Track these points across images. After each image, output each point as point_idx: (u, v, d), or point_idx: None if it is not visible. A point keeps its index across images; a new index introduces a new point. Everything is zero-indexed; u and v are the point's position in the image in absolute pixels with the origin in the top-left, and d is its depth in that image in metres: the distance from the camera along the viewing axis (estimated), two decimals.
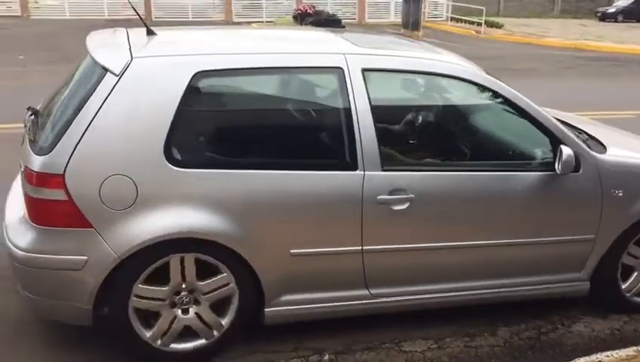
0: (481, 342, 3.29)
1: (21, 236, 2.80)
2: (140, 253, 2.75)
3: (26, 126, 3.01)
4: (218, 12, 27.43)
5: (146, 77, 2.83)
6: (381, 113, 3.13)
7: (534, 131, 3.26)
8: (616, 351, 3.05)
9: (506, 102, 3.27)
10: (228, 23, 25.68)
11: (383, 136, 3.07)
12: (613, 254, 3.45)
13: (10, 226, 2.91)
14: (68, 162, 2.67)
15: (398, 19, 25.36)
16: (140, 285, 2.81)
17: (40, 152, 2.73)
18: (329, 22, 18.77)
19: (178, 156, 2.78)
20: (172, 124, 2.77)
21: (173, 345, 2.97)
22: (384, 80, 3.35)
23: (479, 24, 25.79)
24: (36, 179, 2.70)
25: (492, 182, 3.19)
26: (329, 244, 3.01)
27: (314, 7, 23.04)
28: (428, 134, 3.66)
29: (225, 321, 3.01)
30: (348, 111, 2.98)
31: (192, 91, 2.84)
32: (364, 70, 3.05)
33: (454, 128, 3.72)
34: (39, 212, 2.75)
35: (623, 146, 3.79)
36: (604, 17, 35.68)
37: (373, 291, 3.16)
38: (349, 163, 2.96)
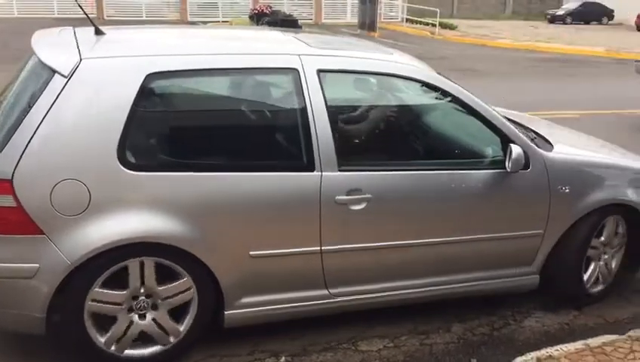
0: (436, 339, 3.34)
1: None
2: (95, 259, 2.68)
3: None
4: (173, 11, 27.11)
5: (96, 78, 2.75)
6: (336, 114, 3.16)
7: (485, 130, 3.33)
8: (566, 344, 3.12)
9: (457, 102, 3.33)
10: (183, 22, 25.37)
11: (339, 137, 3.06)
12: (577, 247, 3.56)
13: None
14: (16, 166, 2.57)
15: (355, 20, 25.58)
16: (96, 289, 2.74)
17: None
18: (285, 22, 18.70)
19: (132, 159, 2.72)
20: (125, 126, 2.70)
21: (128, 351, 2.90)
22: (339, 81, 3.35)
23: (434, 25, 26.22)
24: None
25: (445, 181, 3.24)
26: (288, 245, 3.00)
27: (270, 7, 22.97)
28: (382, 134, 3.69)
29: (182, 327, 2.96)
30: (304, 112, 2.98)
31: (145, 93, 2.78)
32: (319, 71, 3.05)
33: (408, 128, 3.75)
34: None
35: (570, 144, 3.90)
36: (554, 19, 36.72)
37: (332, 291, 3.17)
38: (306, 164, 2.96)
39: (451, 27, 27.10)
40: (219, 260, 2.88)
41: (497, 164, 3.28)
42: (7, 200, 2.57)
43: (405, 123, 3.79)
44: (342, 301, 3.19)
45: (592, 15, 37.17)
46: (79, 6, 3.49)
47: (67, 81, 2.67)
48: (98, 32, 3.10)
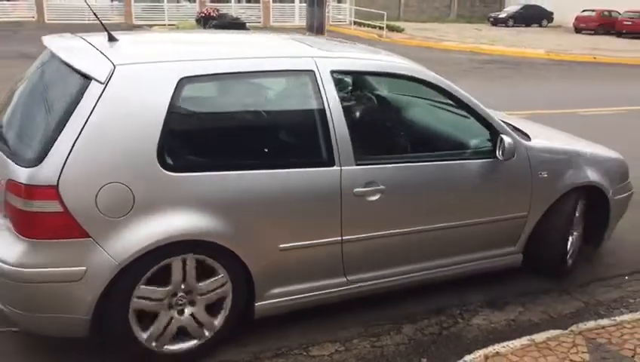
0: (387, 341, 3.35)
1: (6, 250, 2.69)
2: (141, 259, 2.76)
3: None
4: (117, 14, 26.52)
5: (131, 84, 2.83)
6: (350, 112, 3.38)
7: (476, 123, 3.67)
8: (512, 341, 3.19)
9: (452, 98, 3.65)
10: (128, 25, 24.84)
11: (354, 133, 3.24)
12: (562, 224, 3.97)
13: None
14: (61, 173, 2.62)
15: (303, 23, 25.61)
16: (141, 286, 2.82)
17: (26, 164, 2.66)
18: (233, 25, 18.59)
19: (170, 161, 2.82)
20: (162, 130, 2.80)
21: (167, 347, 2.99)
22: (349, 81, 3.60)
23: (381, 28, 26.52)
24: (26, 192, 2.62)
25: (446, 171, 3.57)
26: (313, 237, 3.19)
27: (218, 10, 22.78)
28: (390, 130, 3.89)
29: (217, 321, 3.08)
30: (322, 111, 3.18)
31: (178, 97, 2.88)
32: (332, 72, 3.26)
33: (412, 123, 4.01)
34: (30, 224, 2.67)
35: (543, 136, 4.26)
36: (496, 22, 37.74)
37: (349, 278, 3.38)
38: (327, 160, 3.15)
39: (398, 30, 27.50)
40: (252, 254, 3.03)
41: (487, 154, 3.63)
42: (54, 206, 2.63)
43: (409, 119, 4.05)
44: (358, 287, 3.43)
45: (533, 18, 38.40)
46: (94, 14, 3.52)
47: (104, 88, 2.73)
48: (111, 39, 3.18)
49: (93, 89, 2.73)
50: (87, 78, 2.78)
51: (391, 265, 3.51)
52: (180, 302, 2.96)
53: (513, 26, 36.55)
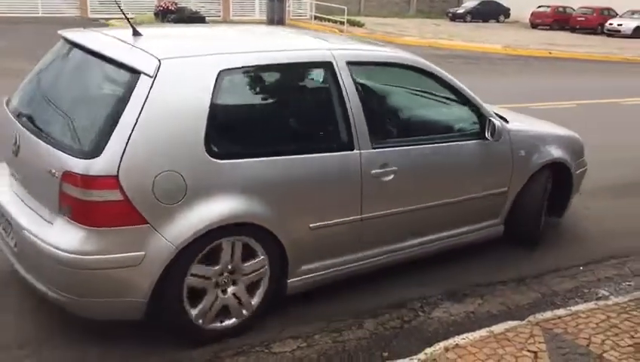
0: (348, 336, 3.36)
1: (63, 238, 2.80)
2: (195, 241, 2.94)
3: (18, 136, 3.16)
4: (72, 7, 25.82)
5: (177, 77, 2.98)
6: (364, 100, 3.58)
7: (467, 109, 4.08)
8: (471, 333, 3.24)
9: (449, 87, 4.04)
10: (83, 19, 24.23)
11: (369, 119, 3.53)
12: (539, 197, 4.48)
13: (39, 230, 2.91)
14: (120, 163, 2.75)
15: (264, 17, 25.40)
16: (195, 266, 3.01)
17: (84, 156, 2.78)
18: (192, 19, 18.33)
19: (215, 149, 2.99)
20: (207, 119, 2.97)
21: (212, 324, 3.19)
22: (362, 71, 3.79)
23: (342, 23, 26.53)
24: (86, 182, 2.74)
25: (446, 152, 3.95)
26: (338, 216, 3.47)
27: (176, 3, 22.39)
28: (400, 115, 4.16)
29: (254, 300, 3.28)
30: (342, 100, 3.45)
31: (219, 88, 3.05)
32: (348, 63, 3.52)
33: (418, 109, 4.33)
34: (90, 213, 2.79)
35: (514, 119, 4.62)
36: (455, 17, 38.19)
37: (366, 253, 3.71)
38: (348, 144, 3.44)
39: (359, 24, 27.55)
40: (287, 234, 3.26)
41: (477, 135, 4.04)
42: (115, 195, 2.76)
43: (415, 105, 4.38)
44: (372, 261, 3.75)
45: (490, 13, 39.00)
46: (121, 11, 3.65)
47: (153, 81, 2.87)
48: (136, 33, 3.30)
49: (143, 82, 2.87)
50: (134, 72, 2.91)
51: (400, 240, 3.85)
52: (225, 282, 3.16)
53: (471, 22, 37.06)
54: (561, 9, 35.59)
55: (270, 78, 3.48)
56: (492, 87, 12.91)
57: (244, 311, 3.25)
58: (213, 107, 3.00)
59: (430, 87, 4.13)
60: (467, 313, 3.67)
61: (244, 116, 3.35)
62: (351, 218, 3.52)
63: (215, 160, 2.98)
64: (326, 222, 3.42)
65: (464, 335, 3.21)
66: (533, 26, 35.74)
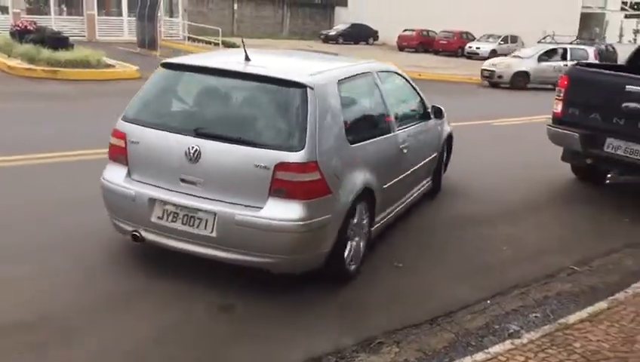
0: None
1: (280, 212, 3.71)
2: (353, 203, 4.10)
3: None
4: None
5: (323, 88, 4.03)
6: (387, 96, 5.06)
7: (421, 101, 5.89)
8: None
9: (412, 86, 5.81)
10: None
11: (392, 110, 5.08)
12: (444, 158, 6.68)
13: (250, 212, 3.74)
14: (317, 152, 3.75)
15: (133, 38, 24.32)
16: (351, 221, 4.16)
17: (293, 150, 3.72)
18: (53, 40, 16.91)
19: (350, 138, 4.18)
20: (342, 116, 4.16)
21: (350, 268, 4.29)
22: (384, 77, 5.23)
23: (216, 44, 26.04)
24: (301, 168, 3.70)
25: (423, 128, 5.75)
26: (392, 178, 4.88)
27: (35, 22, 20.71)
28: (400, 106, 5.46)
29: (362, 249, 4.45)
30: (382, 97, 4.95)
31: (339, 93, 4.22)
32: (378, 72, 5.08)
33: (407, 102, 5.73)
34: (305, 191, 3.73)
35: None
36: (327, 39, 39.11)
37: (395, 205, 5.22)
38: (389, 129, 4.92)
39: (234, 46, 27.20)
40: (378, 195, 4.53)
41: (428, 117, 5.93)
42: (316, 175, 3.76)
43: (405, 99, 5.71)
44: (396, 212, 5.28)
45: (361, 36, 40.39)
46: (242, 43, 4.52)
47: (314, 92, 3.89)
48: (247, 59, 4.29)
49: (310, 94, 3.87)
50: (302, 87, 3.89)
51: (408, 192, 5.54)
52: (353, 234, 4.25)
53: (343, 43, 38.11)
54: (425, 33, 37.63)
55: (354, 84, 4.67)
56: None
57: (360, 257, 4.40)
58: (340, 106, 4.16)
59: (405, 87, 5.73)
60: None
61: (350, 111, 4.42)
62: (395, 179, 4.96)
63: (350, 145, 4.17)
64: (388, 184, 4.79)
65: None
66: (400, 48, 37.47)
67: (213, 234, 3.81)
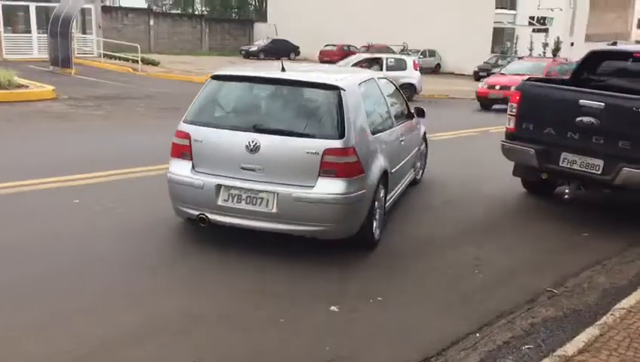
0: None
1: (330, 189, 4.71)
2: (378, 182, 5.20)
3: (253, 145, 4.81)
4: None
5: (351, 89, 5.07)
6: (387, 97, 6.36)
7: (405, 103, 7.03)
8: None
9: (398, 89, 6.97)
10: None
11: (392, 109, 6.31)
12: (426, 152, 8.11)
13: (305, 190, 4.72)
14: (354, 140, 4.81)
15: (44, 55, 22.95)
16: (376, 196, 5.24)
17: (337, 138, 4.75)
18: None
19: (370, 130, 5.27)
20: (365, 111, 5.29)
21: (376, 237, 5.36)
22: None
23: (135, 61, 25.03)
24: (345, 152, 4.74)
25: (410, 124, 6.90)
26: (396, 164, 5.95)
27: None
28: (395, 107, 6.53)
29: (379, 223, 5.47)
30: (384, 98, 6.18)
31: (361, 93, 5.36)
32: (377, 78, 6.25)
33: (398, 103, 6.78)
34: (347, 170, 4.76)
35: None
36: (249, 55, 38.72)
37: (397, 186, 6.30)
38: (392, 124, 6.06)
39: (154, 63, 26.28)
40: (389, 177, 5.62)
41: (412, 116, 7.08)
42: (354, 158, 4.80)
43: (396, 100, 6.76)
44: (398, 193, 6.43)
45: (282, 51, 40.10)
46: (282, 62, 5.45)
47: (346, 93, 4.92)
48: (283, 70, 5.28)
49: (344, 95, 4.88)
50: (337, 89, 4.90)
51: (404, 177, 6.64)
52: (378, 207, 5.33)
53: (265, 59, 37.77)
54: (345, 47, 37.99)
55: (367, 87, 5.64)
56: None
57: (380, 226, 5.45)
58: (363, 104, 5.22)
59: (395, 91, 6.85)
60: None
61: (367, 108, 5.35)
62: (398, 166, 6.00)
63: (372, 136, 5.20)
64: (394, 169, 5.82)
65: None
66: (322, 62, 37.55)
67: (274, 211, 4.75)
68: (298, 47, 41.15)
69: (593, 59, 7.68)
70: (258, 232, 4.92)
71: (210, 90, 5.26)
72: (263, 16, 50.55)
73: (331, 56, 37.73)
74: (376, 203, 5.15)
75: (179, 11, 57.29)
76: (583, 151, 6.26)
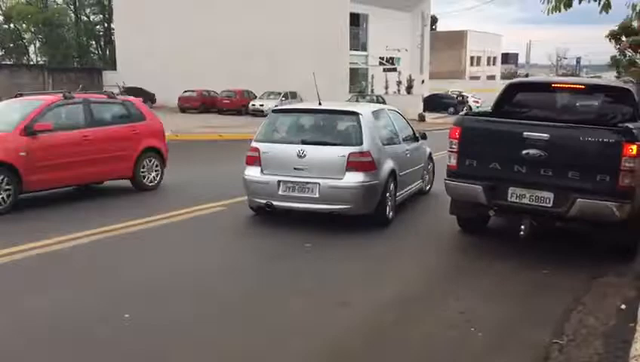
0: None
1: (354, 179, 7.17)
2: (387, 177, 7.59)
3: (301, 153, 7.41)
4: None
5: (366, 114, 7.77)
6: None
7: (410, 127, 9.51)
8: None
9: (404, 118, 9.56)
10: None
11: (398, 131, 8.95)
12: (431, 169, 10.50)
13: (337, 181, 7.17)
14: (369, 146, 7.34)
15: None
16: (387, 187, 7.64)
17: (357, 145, 7.32)
18: None
19: (381, 143, 7.75)
20: (376, 129, 7.95)
21: (389, 217, 7.81)
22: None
23: None
24: (361, 155, 7.24)
25: (413, 146, 9.14)
26: (403, 171, 8.32)
27: None
28: (397, 129, 8.80)
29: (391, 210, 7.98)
30: (392, 122, 8.80)
31: (373, 117, 8.02)
32: (387, 109, 9.29)
33: (404, 127, 9.18)
34: (364, 167, 7.22)
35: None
36: None
37: (405, 189, 8.62)
38: (399, 141, 8.68)
39: None
40: (398, 177, 8.11)
41: (416, 139, 9.38)
42: (369, 158, 7.30)
43: (400, 125, 9.06)
44: (406, 195, 8.74)
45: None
46: (317, 94, 8.23)
47: (363, 117, 7.56)
48: (320, 104, 8.07)
49: (361, 117, 7.52)
50: (357, 115, 7.59)
51: (409, 184, 8.81)
52: (389, 196, 7.70)
53: None
54: (205, 93, 37.00)
55: (379, 114, 8.40)
56: (219, 179, 11.62)
57: (393, 211, 7.81)
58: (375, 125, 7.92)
59: (402, 119, 9.26)
60: None
61: (379, 128, 8.04)
62: (405, 171, 8.27)
63: (383, 146, 7.72)
64: (402, 173, 8.14)
65: None
66: (182, 110, 36.24)
67: (317, 196, 7.22)
68: (154, 95, 39.17)
69: (510, 92, 7.65)
70: None
71: (271, 119, 8.15)
72: (108, 64, 47.99)
73: (192, 102, 36.68)
74: (387, 193, 7.54)
75: (11, 62, 52.81)
76: (532, 184, 6.08)
